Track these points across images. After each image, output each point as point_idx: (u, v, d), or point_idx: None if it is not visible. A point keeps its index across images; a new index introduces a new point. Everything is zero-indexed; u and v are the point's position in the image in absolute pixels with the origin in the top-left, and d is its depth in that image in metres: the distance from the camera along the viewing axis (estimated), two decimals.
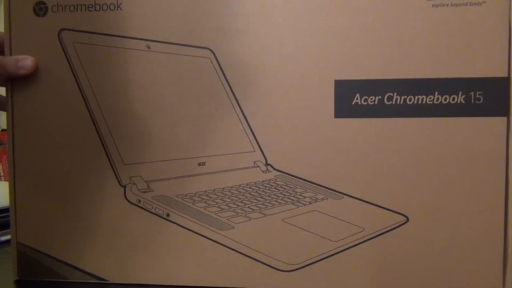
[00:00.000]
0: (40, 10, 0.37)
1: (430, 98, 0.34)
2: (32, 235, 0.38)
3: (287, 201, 0.37)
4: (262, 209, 0.37)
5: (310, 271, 0.36)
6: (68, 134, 0.37)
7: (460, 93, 0.34)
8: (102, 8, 0.37)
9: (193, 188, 0.37)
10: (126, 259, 0.37)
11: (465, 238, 0.34)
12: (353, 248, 0.35)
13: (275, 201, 0.37)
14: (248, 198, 0.37)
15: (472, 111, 0.34)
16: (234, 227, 0.36)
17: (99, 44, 0.37)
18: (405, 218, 0.35)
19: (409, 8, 0.34)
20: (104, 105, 0.37)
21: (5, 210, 0.55)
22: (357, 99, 0.35)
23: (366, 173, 0.35)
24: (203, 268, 0.37)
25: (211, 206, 0.37)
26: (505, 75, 0.33)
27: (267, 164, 0.36)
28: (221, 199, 0.37)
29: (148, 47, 0.37)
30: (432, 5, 0.34)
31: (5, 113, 0.39)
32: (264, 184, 0.38)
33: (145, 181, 0.37)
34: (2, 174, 1.17)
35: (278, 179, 0.37)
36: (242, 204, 0.37)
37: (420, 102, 0.34)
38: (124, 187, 0.37)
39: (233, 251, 0.36)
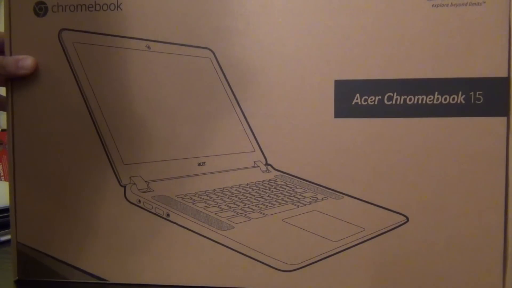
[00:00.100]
0: (40, 10, 0.37)
1: (430, 98, 0.34)
2: (32, 235, 0.38)
3: (287, 201, 0.37)
4: (262, 209, 0.37)
5: (310, 271, 0.36)
6: (68, 134, 0.37)
7: (460, 93, 0.34)
8: (102, 8, 0.37)
9: (193, 188, 0.37)
10: (126, 259, 0.37)
11: (465, 238, 0.34)
12: (353, 248, 0.35)
13: (275, 201, 0.37)
14: (248, 198, 0.37)
15: (472, 111, 0.34)
16: (234, 227, 0.36)
17: (99, 44, 0.37)
18: (405, 218, 0.35)
19: (409, 8, 0.34)
20: (104, 105, 0.37)
21: (5, 210, 0.55)
22: (357, 99, 0.35)
23: (366, 173, 0.35)
24: (203, 268, 0.37)
25: (211, 206, 0.37)
26: (505, 75, 0.33)
27: (267, 164, 0.36)
28: (221, 199, 0.37)
29: (148, 47, 0.37)
30: (432, 5, 0.34)
31: (5, 113, 0.39)
32: (264, 184, 0.38)
33: (145, 181, 0.37)
34: (2, 174, 1.17)
35: (278, 179, 0.37)
36: (242, 204, 0.37)
37: (420, 102, 0.34)
38: (124, 187, 0.37)
39: (233, 251, 0.36)
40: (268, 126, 0.36)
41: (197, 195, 0.37)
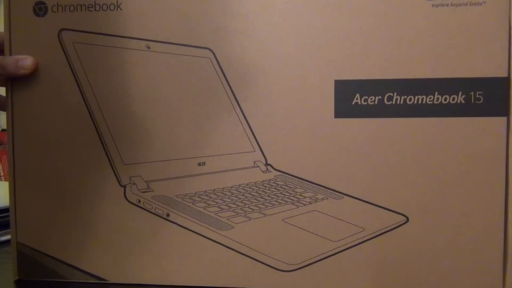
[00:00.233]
0: (40, 10, 0.37)
1: (430, 98, 0.34)
2: (32, 235, 0.38)
3: (287, 201, 0.37)
4: (262, 209, 0.37)
5: (310, 271, 0.36)
6: (68, 134, 0.37)
7: (460, 93, 0.34)
8: (102, 8, 0.37)
9: (193, 188, 0.37)
10: (126, 259, 0.37)
11: (465, 238, 0.34)
12: (353, 248, 0.35)
13: (275, 201, 0.37)
14: (248, 198, 0.37)
15: (472, 111, 0.34)
16: (234, 227, 0.36)
17: (99, 44, 0.37)
18: (405, 218, 0.35)
19: (409, 8, 0.34)
20: (104, 105, 0.37)
21: (5, 210, 0.55)
22: (357, 99, 0.35)
23: (366, 173, 0.35)
24: (203, 268, 0.37)
25: (211, 206, 0.37)
26: (505, 75, 0.33)
27: (267, 164, 0.36)
28: (221, 199, 0.37)
29: (148, 47, 0.37)
30: (432, 5, 0.34)
31: (5, 113, 0.39)
32: (264, 184, 0.38)
33: (145, 181, 0.37)
34: (2, 174, 1.17)
35: (278, 179, 0.37)
36: (242, 204, 0.37)
37: (420, 102, 0.34)
38: (124, 187, 0.37)
39: (233, 251, 0.36)
40: (268, 126, 0.36)
41: (197, 195, 0.37)
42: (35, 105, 0.38)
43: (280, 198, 0.37)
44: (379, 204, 0.35)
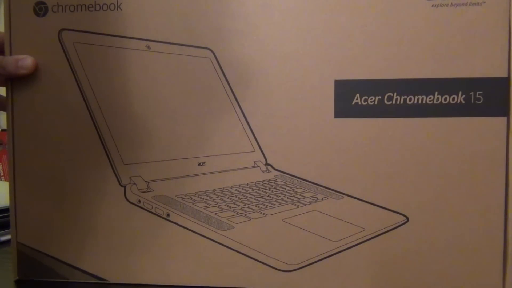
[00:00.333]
0: (40, 10, 0.37)
1: (430, 98, 0.34)
2: (32, 235, 0.38)
3: (287, 201, 0.37)
4: (262, 209, 0.37)
5: (310, 271, 0.36)
6: (68, 134, 0.37)
7: (460, 93, 0.34)
8: (102, 8, 0.37)
9: (193, 188, 0.37)
10: (126, 259, 0.37)
11: (465, 238, 0.34)
12: (353, 248, 0.35)
13: (275, 201, 0.37)
14: (248, 198, 0.37)
15: (472, 111, 0.34)
16: (234, 227, 0.36)
17: (99, 44, 0.37)
18: (405, 218, 0.35)
19: (409, 8, 0.34)
20: (104, 105, 0.37)
21: (5, 210, 0.55)
22: (357, 99, 0.35)
23: (366, 173, 0.35)
24: (203, 268, 0.37)
25: (211, 206, 0.37)
26: (505, 75, 0.33)
27: (267, 164, 0.36)
28: (221, 199, 0.37)
29: (148, 47, 0.37)
30: (432, 5, 0.34)
31: (5, 113, 0.39)
32: (264, 184, 0.38)
33: (145, 181, 0.37)
34: (2, 174, 1.17)
35: (278, 179, 0.37)
36: (242, 204, 0.37)
37: (420, 102, 0.34)
38: (124, 187, 0.37)
39: (233, 251, 0.36)
40: (268, 126, 0.36)
41: (197, 195, 0.37)
42: (35, 105, 0.38)
43: (280, 198, 0.37)
44: (379, 204, 0.35)
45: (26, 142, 0.38)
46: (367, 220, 0.35)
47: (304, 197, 0.37)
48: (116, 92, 0.37)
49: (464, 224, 0.34)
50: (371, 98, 0.35)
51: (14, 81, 0.38)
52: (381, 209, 0.35)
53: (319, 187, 0.36)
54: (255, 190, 0.38)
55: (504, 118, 0.34)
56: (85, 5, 0.37)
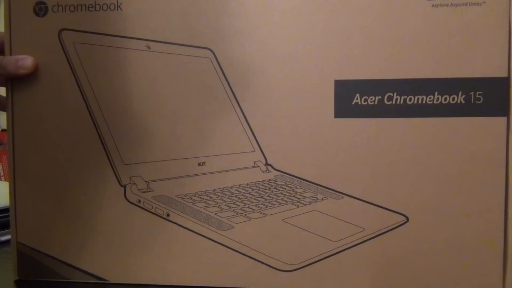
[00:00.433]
0: (40, 10, 0.37)
1: (430, 98, 0.34)
2: (32, 235, 0.38)
3: (287, 201, 0.37)
4: (262, 209, 0.37)
5: (310, 271, 0.36)
6: (68, 134, 0.37)
7: (460, 93, 0.34)
8: (102, 8, 0.37)
9: (193, 188, 0.37)
10: (126, 259, 0.37)
11: (465, 238, 0.34)
12: (353, 248, 0.35)
13: (275, 201, 0.37)
14: (248, 198, 0.37)
15: (472, 111, 0.34)
16: (234, 227, 0.36)
17: (99, 44, 0.37)
18: (405, 218, 0.35)
19: (409, 8, 0.34)
20: (104, 105, 0.37)
21: (5, 210, 0.55)
22: (357, 99, 0.35)
23: (366, 173, 0.35)
24: (203, 268, 0.37)
25: (211, 206, 0.37)
26: (505, 75, 0.33)
27: (267, 164, 0.36)
28: (221, 199, 0.37)
29: (148, 47, 0.37)
30: (432, 5, 0.34)
31: (5, 113, 0.39)
32: (264, 184, 0.38)
33: (145, 181, 0.37)
34: (2, 174, 1.17)
35: (278, 179, 0.37)
36: (242, 204, 0.37)
37: (420, 102, 0.34)
38: (124, 187, 0.37)
39: (233, 251, 0.36)
40: (268, 126, 0.36)
41: (197, 195, 0.37)
42: (35, 105, 0.38)
43: (280, 198, 0.37)
44: (379, 204, 0.35)
45: (26, 142, 0.38)
46: (367, 220, 0.35)
47: (304, 197, 0.37)
48: (116, 92, 0.37)
49: (464, 224, 0.34)
50: (371, 98, 0.35)
51: (14, 81, 0.38)
52: (381, 209, 0.35)
53: (319, 187, 0.36)
54: (255, 190, 0.38)
55: (504, 118, 0.34)
56: (85, 5, 0.37)
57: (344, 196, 0.35)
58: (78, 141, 0.37)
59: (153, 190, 0.37)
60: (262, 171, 0.37)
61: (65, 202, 0.38)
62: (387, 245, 0.35)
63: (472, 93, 0.34)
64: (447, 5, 0.34)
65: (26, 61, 0.37)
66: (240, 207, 0.37)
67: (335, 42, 0.35)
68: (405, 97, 0.35)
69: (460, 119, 0.34)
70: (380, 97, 0.35)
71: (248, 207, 0.37)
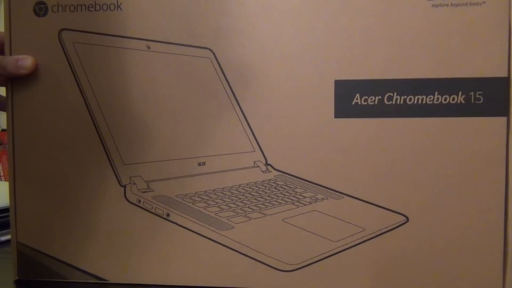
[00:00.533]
0: (40, 10, 0.37)
1: (430, 98, 0.34)
2: (32, 235, 0.38)
3: (287, 201, 0.37)
4: (262, 209, 0.37)
5: (310, 271, 0.36)
6: (68, 134, 0.37)
7: (460, 93, 0.34)
8: (102, 8, 0.37)
9: (193, 188, 0.37)
10: (126, 259, 0.37)
11: (465, 238, 0.34)
12: (353, 248, 0.35)
13: (275, 201, 0.37)
14: (248, 198, 0.37)
15: (472, 111, 0.34)
16: (234, 227, 0.36)
17: (99, 44, 0.37)
18: (405, 218, 0.35)
19: (409, 8, 0.34)
20: (104, 105, 0.37)
21: (5, 210, 0.55)
22: (357, 99, 0.35)
23: (366, 173, 0.35)
24: (203, 268, 0.37)
25: (211, 206, 0.37)
26: (505, 75, 0.33)
27: (267, 164, 0.36)
28: (221, 199, 0.37)
29: (148, 47, 0.37)
30: (432, 5, 0.34)
31: (5, 113, 0.39)
32: (264, 184, 0.38)
33: (145, 181, 0.37)
34: (2, 174, 1.17)
35: (278, 179, 0.37)
36: (242, 204, 0.37)
37: (420, 102, 0.34)
38: (124, 187, 0.37)
39: (233, 251, 0.36)
40: (268, 126, 0.36)
41: (197, 195, 0.37)
42: (35, 105, 0.38)
43: (280, 198, 0.37)
44: (379, 204, 0.35)
45: (26, 142, 0.38)
46: (367, 220, 0.35)
47: (304, 197, 0.37)
48: (116, 92, 0.37)
49: (464, 224, 0.34)
50: (371, 98, 0.35)
51: (14, 81, 0.38)
52: (381, 209, 0.35)
53: (319, 187, 0.36)
54: (255, 190, 0.38)
55: (504, 118, 0.34)
56: (85, 5, 0.37)
57: (344, 196, 0.35)
58: (78, 141, 0.37)
59: (153, 190, 0.37)
60: (262, 171, 0.37)
61: (65, 202, 0.38)
62: (387, 245, 0.35)
63: (472, 93, 0.34)
64: (447, 5, 0.34)
65: (26, 61, 0.37)
66: (240, 207, 0.37)
67: (335, 42, 0.35)
68: (405, 97, 0.35)
69: (460, 119, 0.34)
70: (380, 97, 0.35)
71: (248, 207, 0.37)
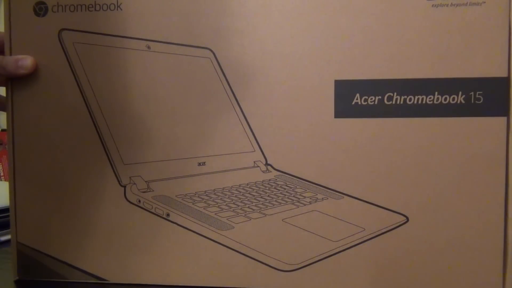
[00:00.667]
0: (40, 10, 0.37)
1: (430, 98, 0.34)
2: (32, 235, 0.38)
3: (287, 201, 0.37)
4: (262, 209, 0.37)
5: (310, 271, 0.36)
6: (68, 134, 0.37)
7: (460, 93, 0.34)
8: (102, 8, 0.37)
9: (193, 188, 0.37)
10: (126, 259, 0.37)
11: (465, 238, 0.34)
12: (353, 248, 0.35)
13: (275, 201, 0.37)
14: (248, 198, 0.37)
15: (472, 111, 0.34)
16: (234, 227, 0.36)
17: (99, 44, 0.37)
18: (405, 218, 0.35)
19: (409, 8, 0.34)
20: (104, 105, 0.37)
21: (5, 210, 0.55)
22: (357, 99, 0.35)
23: (366, 173, 0.35)
24: (203, 268, 0.37)
25: (211, 206, 0.37)
26: (505, 75, 0.33)
27: (267, 164, 0.36)
28: (221, 199, 0.37)
29: (148, 47, 0.37)
30: (432, 5, 0.34)
31: (5, 113, 0.39)
32: (264, 184, 0.38)
33: (145, 181, 0.37)
34: (2, 174, 1.17)
35: (278, 179, 0.37)
36: (242, 204, 0.37)
37: (420, 102, 0.34)
38: (124, 187, 0.37)
39: (233, 251, 0.36)
40: (268, 126, 0.36)
41: (197, 195, 0.37)
42: (35, 105, 0.38)
43: (280, 198, 0.37)
44: (379, 204, 0.35)
45: (26, 142, 0.38)
46: (367, 220, 0.35)
47: (304, 197, 0.37)
48: (116, 92, 0.37)
49: (464, 224, 0.34)
50: (371, 98, 0.35)
51: (14, 81, 0.38)
52: (381, 209, 0.35)
53: (319, 187, 0.36)
54: (255, 190, 0.38)
55: (504, 118, 0.34)
56: (85, 5, 0.37)
57: (344, 196, 0.35)
58: (78, 141, 0.37)
59: (153, 190, 0.37)
60: (262, 171, 0.37)
61: (65, 202, 0.38)
62: (387, 245, 0.35)
63: (472, 93, 0.34)
64: (447, 5, 0.34)
65: (26, 61, 0.37)
66: (240, 207, 0.37)
67: (335, 42, 0.35)
68: (405, 97, 0.35)
69: (460, 119, 0.34)
70: (380, 97, 0.35)
71: (248, 207, 0.37)
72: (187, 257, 0.37)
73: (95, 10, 0.37)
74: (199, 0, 0.36)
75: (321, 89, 0.35)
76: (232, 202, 0.37)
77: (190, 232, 0.37)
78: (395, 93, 0.35)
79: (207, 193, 0.37)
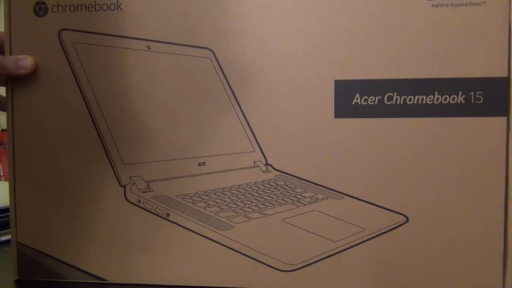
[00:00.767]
0: (40, 10, 0.37)
1: (430, 98, 0.34)
2: (32, 235, 0.38)
3: (287, 201, 0.37)
4: (262, 209, 0.37)
5: (310, 271, 0.36)
6: (68, 134, 0.37)
7: (460, 93, 0.34)
8: (102, 8, 0.37)
9: (193, 188, 0.37)
10: (126, 259, 0.37)
11: (465, 238, 0.34)
12: (353, 248, 0.35)
13: (275, 201, 0.37)
14: (248, 198, 0.37)
15: (472, 111, 0.34)
16: (234, 227, 0.36)
17: (99, 44, 0.37)
18: (405, 218, 0.35)
19: (409, 8, 0.34)
20: (104, 105, 0.37)
21: (5, 210, 0.55)
22: (357, 99, 0.35)
23: (366, 173, 0.35)
24: (203, 268, 0.37)
25: (211, 206, 0.37)
26: (505, 75, 0.33)
27: (267, 164, 0.36)
28: (221, 199, 0.37)
29: (148, 47, 0.37)
30: (432, 5, 0.34)
31: (5, 113, 0.39)
32: (264, 184, 0.38)
33: (145, 181, 0.37)
34: (2, 174, 1.17)
35: (278, 179, 0.37)
36: (242, 204, 0.37)
37: (420, 102, 0.34)
38: (124, 187, 0.37)
39: (233, 251, 0.36)
40: (268, 126, 0.36)
41: (197, 195, 0.37)
42: (35, 105, 0.38)
43: (280, 198, 0.37)
44: (379, 204, 0.35)
45: (26, 142, 0.38)
46: (367, 220, 0.35)
47: (304, 197, 0.37)
48: (116, 92, 0.37)
49: (464, 224, 0.34)
50: (371, 98, 0.35)
51: (14, 81, 0.38)
52: (381, 209, 0.35)
53: (319, 187, 0.36)
54: (255, 190, 0.38)
55: (504, 118, 0.34)
56: (85, 5, 0.37)
57: (344, 196, 0.35)
58: (78, 141, 0.37)
59: (153, 190, 0.37)
60: (262, 171, 0.37)
61: (65, 202, 0.38)
62: (387, 245, 0.35)
63: (472, 93, 0.34)
64: (447, 5, 0.34)
65: (26, 61, 0.37)
66: (240, 207, 0.37)
67: (335, 42, 0.35)
68: (405, 97, 0.35)
69: (460, 119, 0.34)
70: (380, 97, 0.35)
71: (248, 207, 0.37)
72: (187, 257, 0.37)
73: (95, 10, 0.37)
74: (199, 0, 0.36)
75: (321, 89, 0.35)
76: (232, 202, 0.37)
77: (190, 232, 0.37)
78: (395, 93, 0.35)
79: (207, 193, 0.37)
